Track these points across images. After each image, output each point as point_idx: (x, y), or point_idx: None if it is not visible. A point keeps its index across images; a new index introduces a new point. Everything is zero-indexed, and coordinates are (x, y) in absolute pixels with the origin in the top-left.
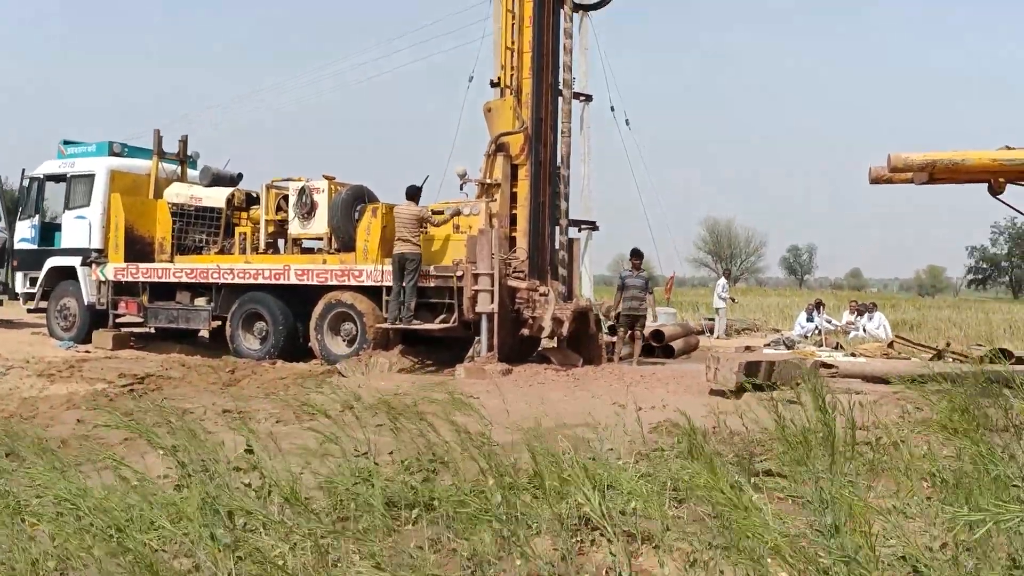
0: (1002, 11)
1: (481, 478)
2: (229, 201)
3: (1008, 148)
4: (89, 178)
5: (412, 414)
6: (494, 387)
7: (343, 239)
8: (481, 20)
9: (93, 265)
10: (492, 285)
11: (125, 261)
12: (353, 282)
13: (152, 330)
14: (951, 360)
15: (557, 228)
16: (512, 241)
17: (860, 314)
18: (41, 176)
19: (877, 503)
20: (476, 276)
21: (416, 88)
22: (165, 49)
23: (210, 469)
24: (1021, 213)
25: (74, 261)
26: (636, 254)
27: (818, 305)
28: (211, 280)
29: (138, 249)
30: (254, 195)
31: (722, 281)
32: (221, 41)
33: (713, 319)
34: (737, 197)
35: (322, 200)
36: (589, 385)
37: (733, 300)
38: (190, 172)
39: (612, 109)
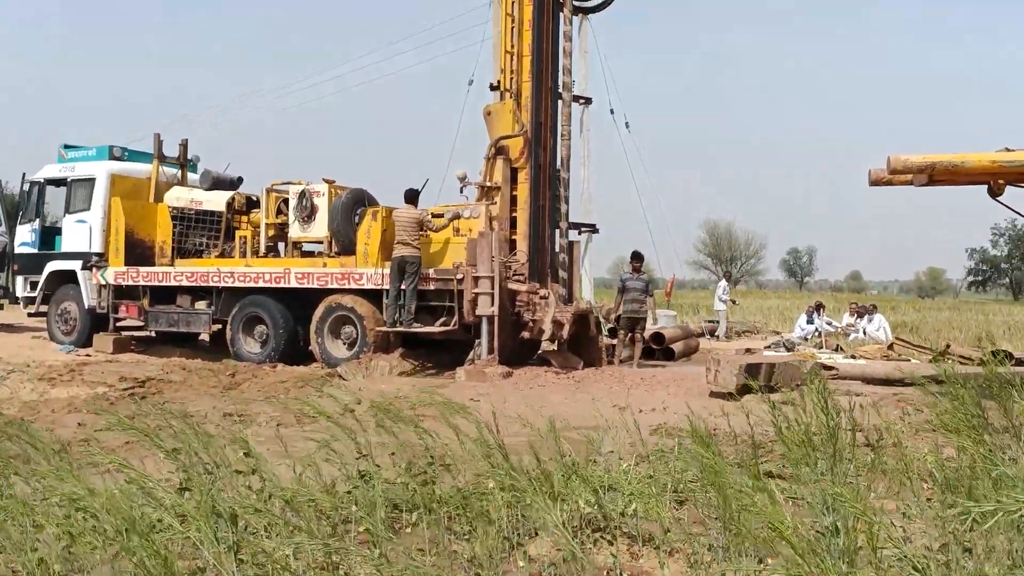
0: (1002, 12)
1: (482, 480)
2: (229, 205)
3: (1007, 150)
4: (90, 182)
5: (412, 417)
6: (494, 390)
7: (343, 242)
8: (482, 23)
9: (94, 269)
10: (492, 288)
11: (126, 265)
12: (353, 285)
13: (153, 334)
14: (951, 362)
15: (557, 231)
16: (512, 244)
17: (860, 316)
18: (42, 180)
19: (878, 504)
20: (476, 279)
21: (419, 90)
22: (165, 49)
23: (212, 472)
24: (1021, 215)
25: (75, 265)
26: (636, 257)
27: (818, 307)
28: (211, 284)
29: (138, 253)
30: (254, 199)
31: (723, 283)
32: (221, 41)
33: (713, 321)
34: (737, 198)
35: (322, 204)
36: (590, 388)
37: (734, 302)
38: (190, 176)
39: (612, 112)
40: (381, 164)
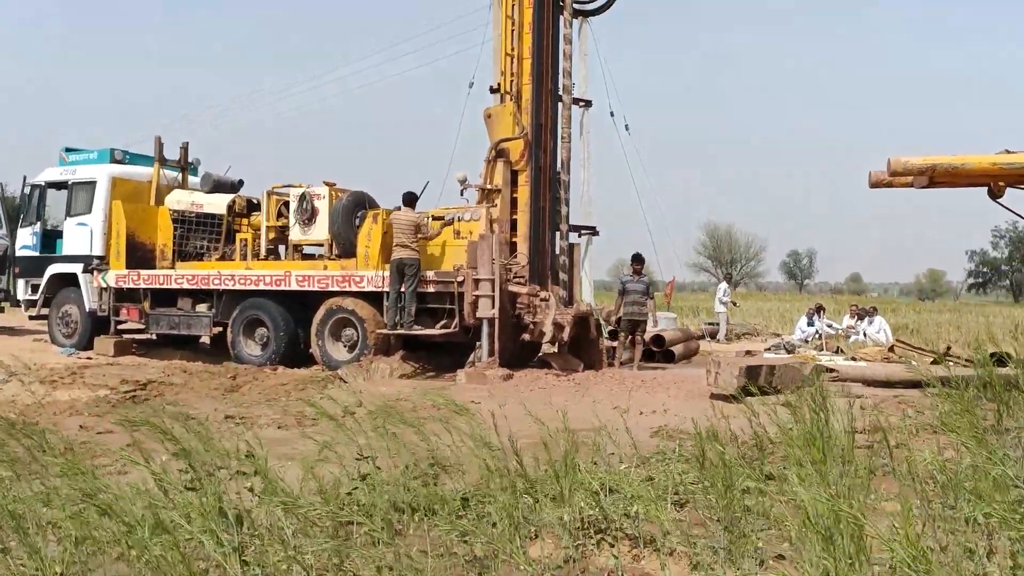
0: (1002, 12)
1: (483, 482)
2: (230, 208)
3: (1008, 152)
4: (91, 185)
5: (413, 419)
6: (495, 392)
7: (344, 245)
8: (482, 26)
9: (95, 272)
10: (493, 290)
11: (127, 268)
12: (354, 288)
13: (154, 336)
14: (952, 364)
15: (557, 233)
16: (513, 246)
17: (860, 318)
18: (43, 183)
19: (878, 505)
20: (477, 281)
21: (420, 92)
22: (165, 49)
23: (214, 474)
24: (1021, 217)
25: (76, 268)
26: (637, 259)
27: (819, 309)
28: (212, 286)
29: (139, 256)
30: (255, 201)
31: (723, 285)
32: (221, 41)
33: (713, 324)
34: (737, 198)
35: (323, 206)
36: (590, 390)
37: (735, 304)
38: (191, 179)
39: (612, 114)
40: (382, 166)
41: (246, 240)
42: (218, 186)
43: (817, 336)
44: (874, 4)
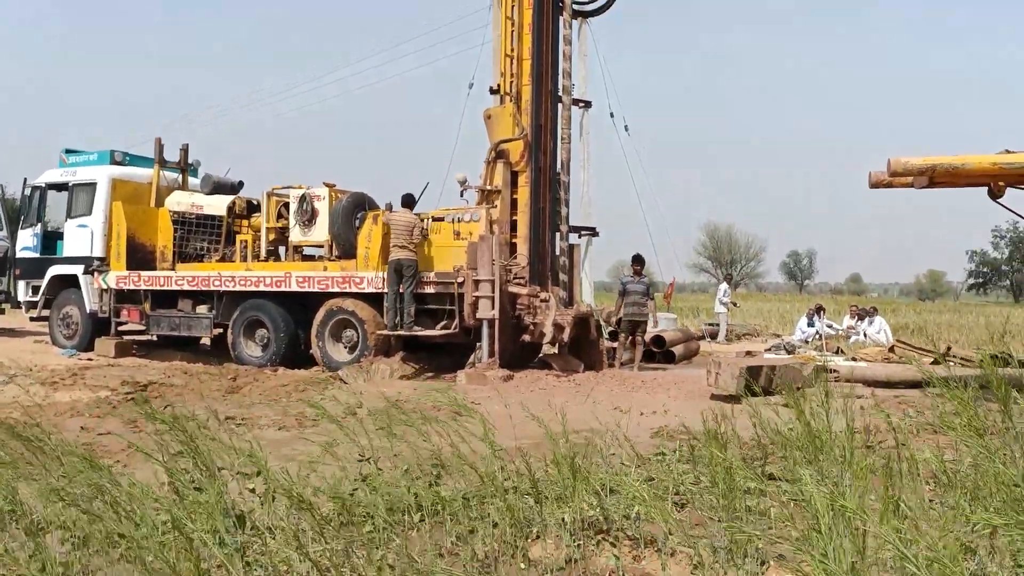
0: (1002, 12)
1: (484, 483)
2: (230, 209)
3: (1008, 152)
4: (91, 187)
5: (414, 420)
6: (495, 393)
7: (344, 246)
8: (482, 26)
9: (95, 273)
10: (493, 291)
11: (127, 269)
12: (354, 289)
13: (154, 338)
14: (952, 364)
15: (557, 234)
16: (513, 247)
17: (861, 319)
18: (43, 185)
19: (878, 505)
20: (477, 282)
21: (420, 93)
22: (165, 49)
23: (216, 475)
24: (1021, 217)
25: (76, 269)
26: (637, 260)
27: (819, 310)
28: (212, 288)
29: (140, 257)
30: (255, 203)
31: (723, 286)
32: (221, 41)
33: (713, 324)
34: (737, 198)
35: (323, 207)
36: (591, 391)
37: (735, 305)
38: (191, 180)
39: (612, 115)
40: (382, 167)
41: (246, 241)
42: (218, 187)
43: (817, 336)
44: (874, 4)
